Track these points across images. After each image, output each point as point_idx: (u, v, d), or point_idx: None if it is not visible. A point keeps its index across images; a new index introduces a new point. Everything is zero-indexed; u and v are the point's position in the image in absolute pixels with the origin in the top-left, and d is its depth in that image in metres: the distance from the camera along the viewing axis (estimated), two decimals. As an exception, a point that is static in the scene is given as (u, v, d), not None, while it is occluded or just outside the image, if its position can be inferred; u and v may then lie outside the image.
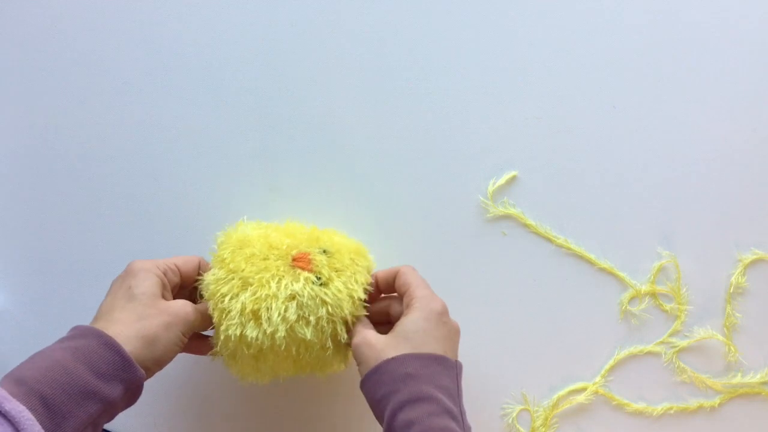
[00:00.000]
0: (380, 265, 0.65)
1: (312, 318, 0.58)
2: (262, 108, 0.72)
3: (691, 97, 0.71)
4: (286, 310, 0.58)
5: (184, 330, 0.58)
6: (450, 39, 0.72)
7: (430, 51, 0.72)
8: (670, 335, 0.70)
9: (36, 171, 0.72)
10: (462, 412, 0.56)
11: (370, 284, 0.62)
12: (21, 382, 0.50)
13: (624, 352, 0.70)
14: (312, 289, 0.58)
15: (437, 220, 0.71)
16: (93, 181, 0.72)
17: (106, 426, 0.70)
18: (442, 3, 0.72)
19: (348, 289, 0.60)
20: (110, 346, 0.54)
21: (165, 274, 0.60)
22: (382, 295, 0.65)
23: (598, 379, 0.70)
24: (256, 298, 0.58)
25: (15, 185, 0.72)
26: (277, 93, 0.72)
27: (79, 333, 0.55)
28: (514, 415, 0.70)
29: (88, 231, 0.72)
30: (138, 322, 0.56)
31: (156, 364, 0.57)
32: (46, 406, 0.49)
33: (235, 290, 0.58)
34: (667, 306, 0.70)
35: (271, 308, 0.57)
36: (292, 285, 0.58)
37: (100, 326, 0.55)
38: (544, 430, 0.69)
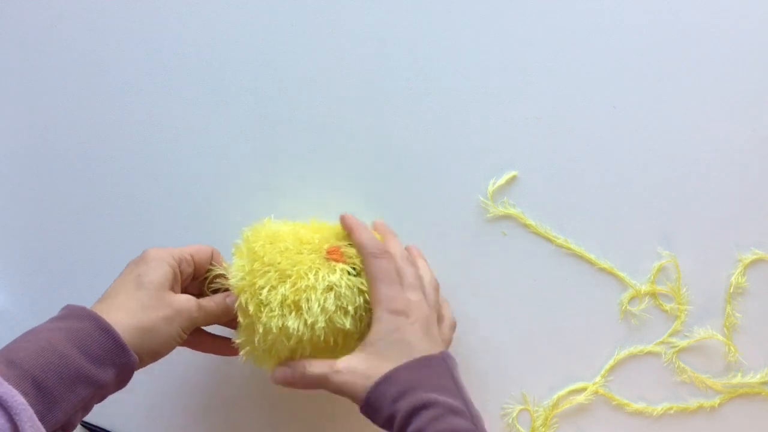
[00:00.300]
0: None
1: (350, 308, 0.59)
2: (262, 108, 0.72)
3: (691, 97, 0.71)
4: (325, 301, 0.58)
5: (185, 326, 0.58)
6: (450, 39, 0.71)
7: (430, 51, 0.71)
8: (670, 335, 0.70)
9: (36, 171, 0.72)
10: (467, 402, 0.55)
11: None
12: (13, 365, 0.49)
13: (624, 352, 0.70)
14: (349, 279, 0.60)
15: (437, 220, 0.71)
16: (93, 181, 0.72)
17: (106, 426, 0.70)
18: (442, 3, 0.72)
19: None
20: (105, 330, 0.53)
21: (179, 264, 0.59)
22: None
23: (598, 379, 0.70)
24: (297, 289, 0.58)
25: (15, 185, 0.72)
26: (277, 93, 0.72)
27: (73, 314, 0.54)
28: (514, 415, 0.70)
29: (88, 231, 0.72)
30: (140, 311, 0.56)
31: (150, 356, 0.56)
32: (38, 390, 0.49)
33: (273, 282, 0.59)
34: (667, 306, 0.70)
35: (311, 299, 0.58)
36: (329, 276, 0.59)
37: (102, 309, 0.55)
38: (544, 430, 0.69)
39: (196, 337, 0.62)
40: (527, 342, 0.70)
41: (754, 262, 0.70)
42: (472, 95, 0.71)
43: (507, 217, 0.71)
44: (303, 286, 0.59)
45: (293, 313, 0.58)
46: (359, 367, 0.56)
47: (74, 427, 0.53)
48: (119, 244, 0.71)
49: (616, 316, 0.70)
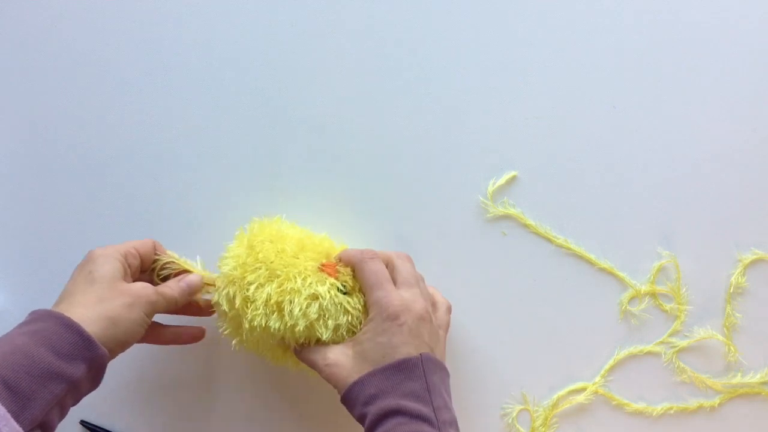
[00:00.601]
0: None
1: (331, 322, 0.60)
2: (262, 108, 0.72)
3: (691, 97, 0.71)
4: (307, 307, 0.59)
5: (147, 310, 0.58)
6: (450, 39, 0.71)
7: (430, 51, 0.71)
8: (670, 335, 0.70)
9: (36, 171, 0.72)
10: (436, 408, 0.56)
11: None
12: None
13: (624, 352, 0.70)
14: (336, 295, 0.60)
15: (437, 221, 0.71)
16: (93, 181, 0.72)
17: (106, 426, 0.70)
18: (442, 3, 0.72)
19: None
20: (69, 326, 0.54)
21: (126, 257, 0.60)
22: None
23: (598, 379, 0.70)
24: (282, 291, 0.59)
25: (15, 185, 0.72)
26: (277, 93, 0.72)
27: (38, 317, 0.55)
28: (514, 415, 0.70)
29: (88, 231, 0.72)
30: (99, 304, 0.56)
31: (119, 345, 0.57)
32: (9, 389, 0.50)
33: (261, 280, 0.60)
34: (667, 306, 0.70)
35: (293, 302, 0.59)
36: (317, 286, 0.60)
37: (62, 308, 0.56)
38: (544, 430, 0.69)
39: (154, 330, 0.63)
40: (527, 342, 0.70)
41: (754, 262, 0.70)
42: (472, 95, 0.71)
43: (507, 217, 0.71)
44: (288, 288, 0.59)
45: (275, 314, 0.59)
46: (345, 364, 0.59)
47: (53, 428, 0.54)
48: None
49: (616, 316, 0.70)
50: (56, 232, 0.72)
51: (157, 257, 0.64)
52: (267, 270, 0.60)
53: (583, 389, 0.70)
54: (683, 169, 0.71)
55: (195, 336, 0.66)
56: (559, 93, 0.71)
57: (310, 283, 0.59)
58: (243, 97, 0.72)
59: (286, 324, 0.59)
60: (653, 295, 0.70)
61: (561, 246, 0.70)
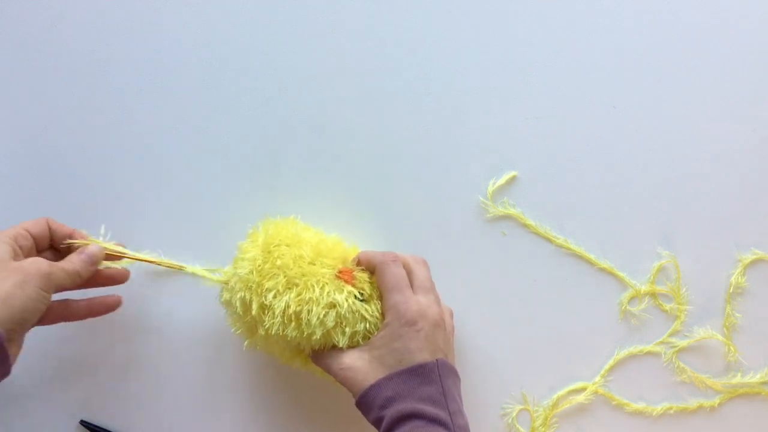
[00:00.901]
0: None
1: (348, 330, 0.60)
2: (262, 108, 0.72)
3: (691, 97, 0.71)
4: (325, 316, 0.59)
5: (43, 285, 0.57)
6: (450, 39, 0.71)
7: (430, 51, 0.72)
8: (670, 335, 0.70)
9: (36, 171, 0.72)
10: (452, 412, 0.56)
11: None
12: None
13: (624, 352, 0.70)
14: (354, 303, 0.60)
15: (437, 221, 0.71)
16: (93, 181, 0.72)
17: (106, 426, 0.70)
18: (442, 3, 0.72)
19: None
20: None
21: (15, 240, 0.60)
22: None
23: (597, 379, 0.70)
24: (300, 300, 0.59)
25: (15, 185, 0.72)
26: (277, 93, 0.72)
27: None
28: (514, 415, 0.70)
29: (88, 231, 0.72)
30: None
31: (17, 324, 0.56)
32: None
33: (280, 288, 0.60)
34: (667, 306, 0.70)
35: (312, 311, 0.59)
36: (335, 294, 0.60)
37: None
38: (544, 429, 0.69)
39: (67, 307, 0.63)
40: (527, 342, 0.70)
41: (754, 262, 0.70)
42: (472, 95, 0.71)
43: (507, 217, 0.71)
44: (306, 298, 0.59)
45: (293, 323, 0.59)
46: (361, 368, 0.59)
47: None
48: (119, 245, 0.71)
49: (616, 316, 0.70)
50: (56, 232, 0.72)
51: (70, 242, 0.63)
52: (285, 277, 0.60)
53: (583, 389, 0.70)
54: (683, 169, 0.71)
55: (110, 305, 0.65)
56: (559, 93, 0.71)
57: (328, 292, 0.60)
58: (243, 97, 0.72)
59: (303, 333, 0.59)
60: (653, 295, 0.70)
61: (561, 246, 0.70)
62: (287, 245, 0.61)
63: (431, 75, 0.71)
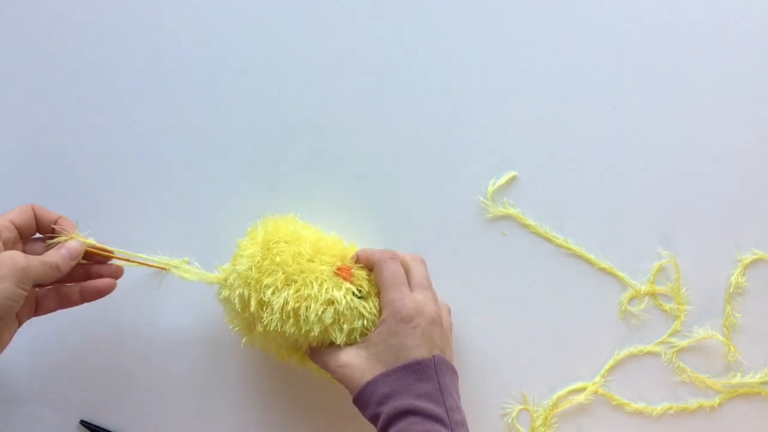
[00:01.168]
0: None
1: (346, 326, 0.60)
2: (262, 108, 0.72)
3: (691, 97, 0.71)
4: (323, 312, 0.59)
5: (17, 280, 0.56)
6: (450, 39, 0.71)
7: (430, 51, 0.72)
8: (670, 335, 0.70)
9: (36, 171, 0.72)
10: (449, 409, 0.57)
11: None
12: None
13: (624, 352, 0.70)
14: (352, 300, 0.60)
15: (437, 221, 0.71)
16: (93, 181, 0.72)
17: (106, 426, 0.70)
18: (442, 3, 0.72)
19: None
20: None
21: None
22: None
23: (597, 379, 0.70)
24: (298, 296, 0.59)
25: (15, 185, 0.72)
26: (277, 93, 0.72)
27: None
28: (514, 415, 0.70)
29: (88, 231, 0.72)
30: None
31: None
32: None
33: (279, 285, 0.60)
34: (667, 306, 0.70)
35: (310, 308, 0.59)
36: (333, 291, 0.60)
37: None
38: (544, 429, 0.69)
39: (58, 294, 0.63)
40: (527, 342, 0.70)
41: (754, 262, 0.70)
42: (472, 95, 0.71)
43: (507, 217, 0.71)
44: (305, 295, 0.60)
45: (291, 320, 0.59)
46: (358, 365, 0.59)
47: None
48: (119, 244, 0.71)
49: (616, 316, 0.70)
50: (56, 232, 0.72)
51: (51, 241, 0.62)
52: (284, 274, 0.60)
53: (583, 389, 0.70)
54: (683, 169, 0.71)
55: (101, 290, 0.64)
56: (559, 93, 0.71)
57: (327, 289, 0.60)
58: (243, 97, 0.72)
59: (301, 329, 0.60)
60: (653, 295, 0.70)
61: (561, 246, 0.70)
62: (286, 242, 0.61)
63: (431, 75, 0.71)
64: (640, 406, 0.70)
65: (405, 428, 0.55)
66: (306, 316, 0.59)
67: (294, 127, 0.72)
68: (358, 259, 0.63)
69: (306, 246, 0.61)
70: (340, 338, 0.60)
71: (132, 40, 0.72)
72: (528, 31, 0.71)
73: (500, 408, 0.70)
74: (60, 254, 0.61)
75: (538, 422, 0.69)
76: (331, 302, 0.60)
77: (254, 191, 0.72)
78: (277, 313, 0.59)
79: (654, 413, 0.70)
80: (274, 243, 0.61)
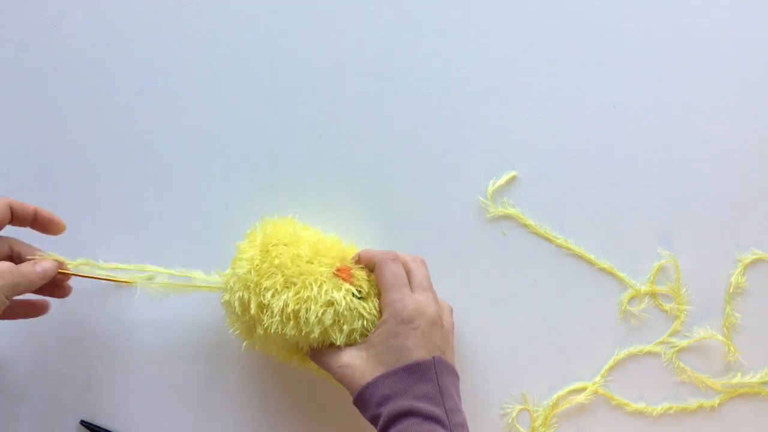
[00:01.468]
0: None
1: (346, 327, 0.60)
2: (262, 108, 0.72)
3: (691, 97, 0.71)
4: (323, 314, 0.59)
5: (3, 287, 0.57)
6: (450, 39, 0.72)
7: (430, 51, 0.72)
8: (670, 335, 0.70)
9: (36, 171, 0.72)
10: (449, 410, 0.57)
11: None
12: None
13: (624, 352, 0.70)
14: (351, 300, 0.60)
15: (437, 221, 0.71)
16: (93, 181, 0.72)
17: (106, 426, 0.70)
18: (442, 3, 0.72)
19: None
20: None
21: None
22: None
23: (597, 379, 0.70)
24: (298, 299, 0.59)
25: (15, 185, 0.72)
26: (277, 93, 0.72)
27: None
28: (514, 415, 0.70)
29: (87, 231, 0.72)
30: None
31: None
32: None
33: (278, 287, 0.60)
34: (667, 306, 0.70)
35: (310, 310, 0.59)
36: (333, 292, 0.60)
37: None
38: (543, 429, 0.69)
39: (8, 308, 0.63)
40: (527, 342, 0.70)
41: (754, 262, 0.70)
42: (472, 95, 0.71)
43: (507, 217, 0.71)
44: (305, 297, 0.60)
45: (291, 322, 0.59)
46: (358, 366, 0.59)
47: None
48: (119, 245, 0.71)
49: (616, 316, 0.70)
50: (56, 232, 0.72)
51: (31, 258, 0.62)
52: (283, 276, 0.60)
53: (583, 389, 0.70)
54: (683, 169, 0.71)
55: (39, 309, 0.65)
56: (559, 93, 0.71)
57: (326, 290, 0.60)
58: (243, 97, 0.72)
59: (301, 331, 0.60)
60: (653, 295, 0.70)
61: (561, 246, 0.70)
62: (285, 244, 0.61)
63: (431, 75, 0.71)
64: (640, 406, 0.70)
65: (405, 429, 0.55)
66: (306, 318, 0.59)
67: (294, 127, 0.72)
68: (359, 260, 0.63)
69: (305, 248, 0.61)
70: (340, 339, 0.60)
71: (132, 40, 0.72)
72: (528, 31, 0.71)
73: (500, 408, 0.70)
74: (35, 271, 0.61)
75: (538, 422, 0.69)
76: (330, 303, 0.60)
77: (254, 191, 0.72)
78: (277, 316, 0.59)
79: (654, 413, 0.70)
80: (272, 245, 0.61)
